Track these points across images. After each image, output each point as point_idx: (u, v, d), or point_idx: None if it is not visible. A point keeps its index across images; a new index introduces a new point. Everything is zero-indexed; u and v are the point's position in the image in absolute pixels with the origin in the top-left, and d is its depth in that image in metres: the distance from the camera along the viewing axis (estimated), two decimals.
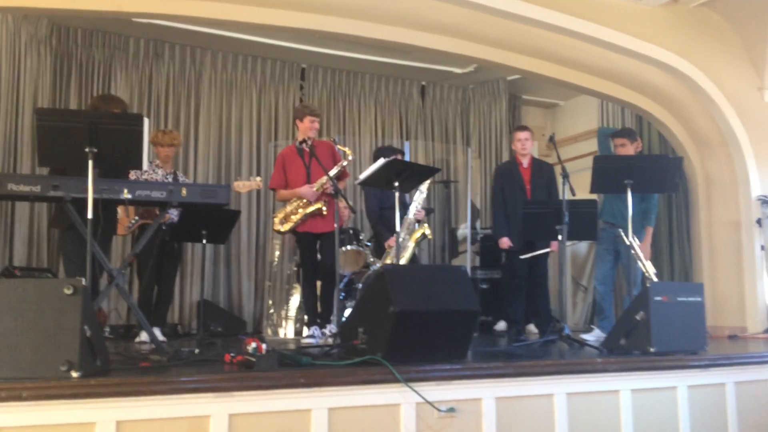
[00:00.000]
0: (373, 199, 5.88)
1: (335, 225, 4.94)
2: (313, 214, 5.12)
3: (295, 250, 5.96)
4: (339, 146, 5.16)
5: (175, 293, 6.74)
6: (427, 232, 5.72)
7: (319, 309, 5.29)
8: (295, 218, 5.12)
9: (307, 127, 5.22)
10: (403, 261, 5.52)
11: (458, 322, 3.22)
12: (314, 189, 5.10)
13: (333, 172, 5.09)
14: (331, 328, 5.12)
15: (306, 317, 5.33)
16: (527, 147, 5.86)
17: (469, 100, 8.92)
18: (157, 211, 4.98)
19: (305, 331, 5.25)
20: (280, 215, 5.17)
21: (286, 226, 5.12)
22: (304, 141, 5.06)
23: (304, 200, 5.12)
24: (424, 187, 5.77)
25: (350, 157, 5.17)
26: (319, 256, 5.32)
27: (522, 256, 5.62)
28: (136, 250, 4.15)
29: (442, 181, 7.83)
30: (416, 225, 5.71)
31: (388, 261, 5.66)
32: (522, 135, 5.87)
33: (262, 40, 7.32)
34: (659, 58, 5.79)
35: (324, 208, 5.10)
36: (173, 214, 5.15)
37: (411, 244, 5.63)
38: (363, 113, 8.27)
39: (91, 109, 4.39)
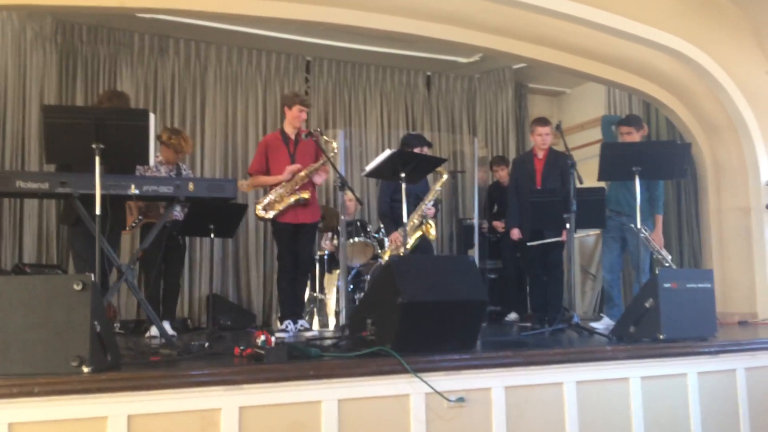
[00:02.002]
0: (386, 190, 5.86)
1: (342, 217, 4.94)
2: (297, 204, 5.08)
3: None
4: (325, 137, 5.08)
5: (184, 288, 6.79)
6: (432, 232, 5.67)
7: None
8: (279, 206, 5.07)
9: (295, 116, 5.21)
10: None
11: (466, 312, 3.22)
12: (302, 174, 5.09)
13: (314, 167, 5.14)
14: (302, 323, 5.12)
15: (281, 310, 5.28)
16: (547, 142, 5.79)
17: (475, 90, 8.88)
18: (162, 209, 5.00)
19: (279, 325, 5.21)
20: (264, 202, 5.11)
21: (269, 213, 5.07)
22: (309, 133, 5.05)
23: (288, 189, 5.08)
24: (439, 185, 5.72)
25: (336, 151, 5.11)
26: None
27: (529, 243, 5.63)
28: (144, 245, 4.17)
29: (449, 171, 7.80)
30: (420, 223, 5.66)
31: (387, 256, 5.62)
32: (543, 130, 5.75)
33: (267, 34, 7.32)
34: (666, 43, 5.74)
35: (309, 198, 5.09)
36: (177, 213, 5.16)
37: (410, 241, 5.58)
38: (368, 105, 8.26)
39: (98, 105, 4.40)
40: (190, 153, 5.55)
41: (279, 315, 5.32)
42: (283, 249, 5.18)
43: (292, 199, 5.07)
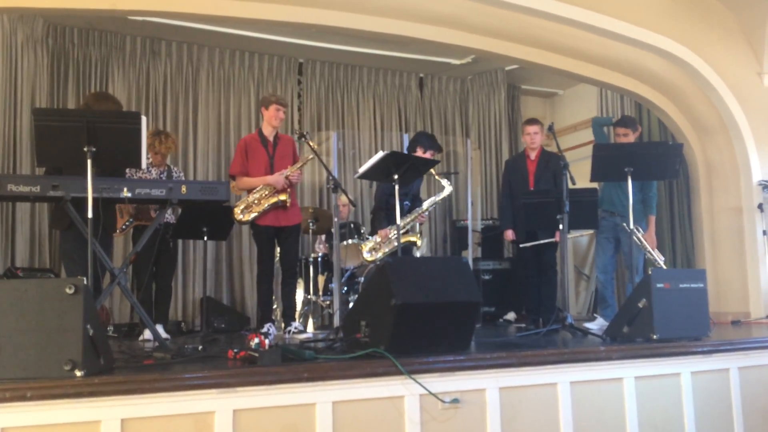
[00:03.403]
0: (385, 187, 5.84)
1: (335, 220, 4.93)
2: (275, 206, 5.06)
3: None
4: (310, 142, 5.00)
5: (178, 290, 6.77)
6: (419, 243, 5.59)
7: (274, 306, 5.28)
8: (258, 208, 5.04)
9: (272, 116, 5.19)
10: (378, 255, 5.39)
11: (460, 313, 3.23)
12: (283, 177, 5.08)
13: (296, 166, 5.13)
14: (296, 325, 5.10)
15: (260, 313, 5.26)
16: (536, 141, 5.87)
17: (468, 91, 8.90)
18: (152, 213, 4.99)
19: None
20: (242, 205, 5.07)
21: (248, 216, 5.03)
22: (302, 135, 5.04)
23: (268, 190, 5.06)
24: (443, 194, 5.52)
25: (311, 156, 5.05)
26: (278, 250, 5.27)
27: (522, 245, 5.65)
28: (136, 248, 4.15)
29: (442, 173, 7.80)
30: (412, 228, 5.60)
31: (368, 246, 5.48)
32: (531, 129, 5.88)
33: (259, 36, 7.31)
34: (658, 44, 5.77)
35: (288, 200, 5.07)
36: (168, 215, 5.16)
37: (395, 243, 5.50)
38: (361, 107, 8.26)
39: (85, 107, 4.37)
40: (169, 153, 5.51)
41: (258, 317, 5.29)
42: (263, 252, 5.15)
43: (271, 200, 5.05)
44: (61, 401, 2.42)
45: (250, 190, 5.12)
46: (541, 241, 5.63)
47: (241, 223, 5.14)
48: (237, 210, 5.07)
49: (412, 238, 5.54)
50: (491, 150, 8.64)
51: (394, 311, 2.98)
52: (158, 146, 5.26)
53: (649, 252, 4.98)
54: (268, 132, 5.24)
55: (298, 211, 5.34)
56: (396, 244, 5.34)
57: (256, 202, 5.06)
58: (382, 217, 5.63)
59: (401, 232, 5.44)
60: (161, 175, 5.36)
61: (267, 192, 5.07)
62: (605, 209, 5.69)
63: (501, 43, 6.07)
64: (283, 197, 5.05)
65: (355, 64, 8.22)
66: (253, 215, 5.04)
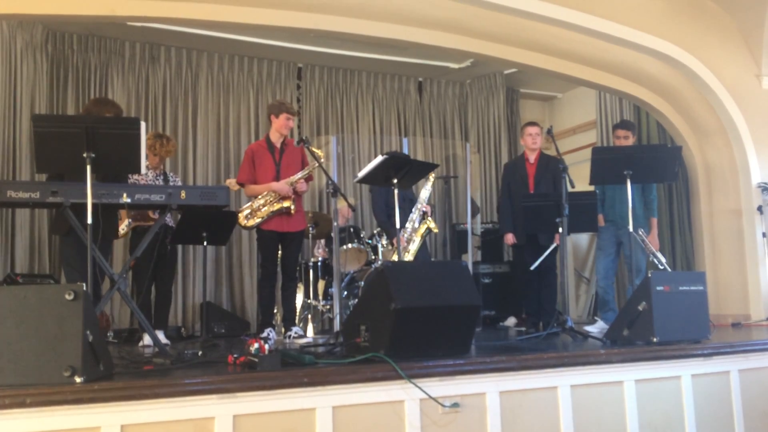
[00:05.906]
0: (380, 198, 5.89)
1: (335, 224, 4.93)
2: (279, 212, 5.08)
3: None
4: (313, 148, 5.00)
5: (177, 296, 6.77)
6: (432, 225, 5.73)
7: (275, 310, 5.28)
8: (261, 214, 5.07)
9: (282, 125, 5.20)
10: (409, 256, 5.52)
11: (460, 317, 3.23)
12: (288, 184, 5.09)
13: (301, 174, 5.14)
14: (297, 330, 5.10)
15: (260, 318, 5.28)
16: (538, 142, 5.89)
17: (467, 95, 8.91)
18: (152, 214, 4.99)
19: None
20: (246, 210, 5.11)
21: (252, 222, 5.07)
22: (302, 140, 5.04)
23: (273, 196, 5.08)
24: (430, 184, 5.80)
25: (322, 160, 5.03)
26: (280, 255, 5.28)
27: (532, 267, 5.60)
28: (136, 254, 4.14)
29: (441, 176, 7.82)
30: (421, 220, 5.72)
31: (395, 257, 5.65)
32: (533, 130, 5.89)
33: (258, 41, 7.32)
34: (656, 47, 5.78)
35: (292, 207, 5.08)
36: (168, 218, 5.16)
37: (417, 239, 5.64)
38: (360, 111, 8.26)
39: (85, 113, 4.38)
40: (168, 156, 5.52)
41: (259, 322, 5.30)
42: (267, 257, 5.16)
43: (275, 207, 5.06)
44: (61, 407, 2.42)
45: (256, 196, 5.15)
46: (545, 254, 5.59)
47: (244, 228, 5.16)
48: (241, 215, 5.11)
49: (424, 227, 5.72)
50: (490, 153, 8.65)
51: (393, 315, 2.98)
52: (158, 148, 5.28)
53: (652, 254, 4.98)
54: (276, 139, 5.25)
55: (302, 217, 5.35)
56: (416, 239, 5.67)
57: (260, 207, 5.08)
58: (391, 228, 5.76)
59: (414, 227, 5.70)
60: (157, 178, 5.36)
61: (271, 198, 5.09)
62: (607, 219, 5.69)
63: (499, 47, 6.08)
64: (287, 204, 5.06)
65: (353, 69, 8.23)
66: (257, 221, 5.08)
